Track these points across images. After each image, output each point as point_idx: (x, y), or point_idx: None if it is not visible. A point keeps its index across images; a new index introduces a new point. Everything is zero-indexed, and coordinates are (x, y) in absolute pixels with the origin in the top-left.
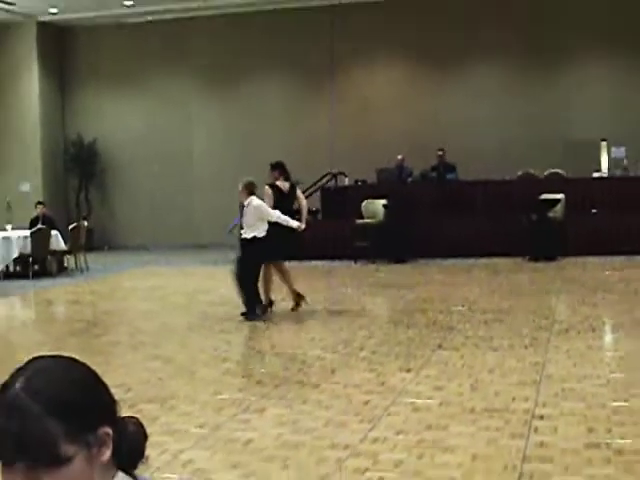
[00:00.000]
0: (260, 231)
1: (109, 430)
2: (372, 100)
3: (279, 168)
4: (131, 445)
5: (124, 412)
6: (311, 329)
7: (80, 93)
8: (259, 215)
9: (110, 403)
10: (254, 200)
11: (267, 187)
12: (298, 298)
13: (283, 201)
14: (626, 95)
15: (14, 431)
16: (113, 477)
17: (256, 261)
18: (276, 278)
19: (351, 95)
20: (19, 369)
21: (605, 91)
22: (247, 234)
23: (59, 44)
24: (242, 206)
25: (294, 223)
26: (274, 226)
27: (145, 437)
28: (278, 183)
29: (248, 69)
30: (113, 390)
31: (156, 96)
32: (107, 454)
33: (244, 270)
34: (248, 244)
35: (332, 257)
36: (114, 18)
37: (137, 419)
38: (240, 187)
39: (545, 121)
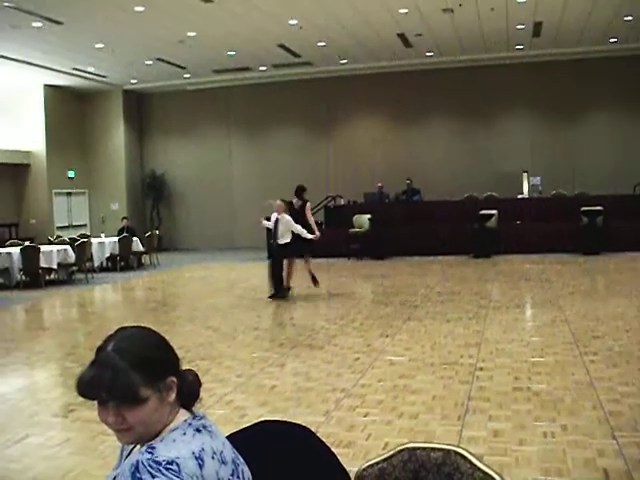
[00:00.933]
0: (287, 238)
1: (174, 379)
2: (359, 144)
3: (296, 190)
4: (190, 390)
5: (185, 366)
6: (318, 306)
7: (153, 140)
8: (288, 227)
9: (175, 360)
10: (286, 216)
11: (280, 201)
12: (313, 280)
13: (293, 213)
14: (541, 139)
15: (107, 379)
16: (177, 412)
17: (283, 258)
18: (299, 270)
19: (344, 141)
20: (110, 336)
21: (526, 136)
22: (281, 240)
23: (138, 106)
24: (276, 219)
25: (308, 235)
26: (295, 234)
27: (200, 384)
28: (293, 200)
29: (272, 122)
30: (177, 351)
31: (207, 143)
32: (173, 396)
33: (276, 264)
34: (280, 247)
35: (333, 256)
36: (177, 87)
37: (194, 371)
38: (278, 204)
39: (483, 158)
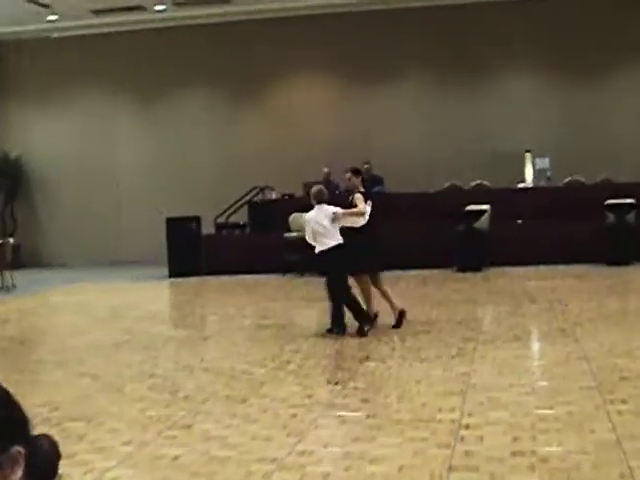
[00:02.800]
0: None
1: (22, 449)
2: (297, 115)
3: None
4: (44, 463)
5: (48, 430)
6: (239, 343)
7: (4, 110)
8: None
9: (23, 421)
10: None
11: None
12: None
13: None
14: (548, 107)
15: None
16: None
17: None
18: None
19: (274, 110)
20: None
21: (529, 101)
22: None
23: None
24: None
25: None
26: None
27: (58, 455)
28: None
29: (174, 85)
30: (39, 409)
31: (82, 114)
32: (19, 473)
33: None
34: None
35: (261, 271)
36: (38, 33)
37: (50, 438)
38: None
39: (470, 133)
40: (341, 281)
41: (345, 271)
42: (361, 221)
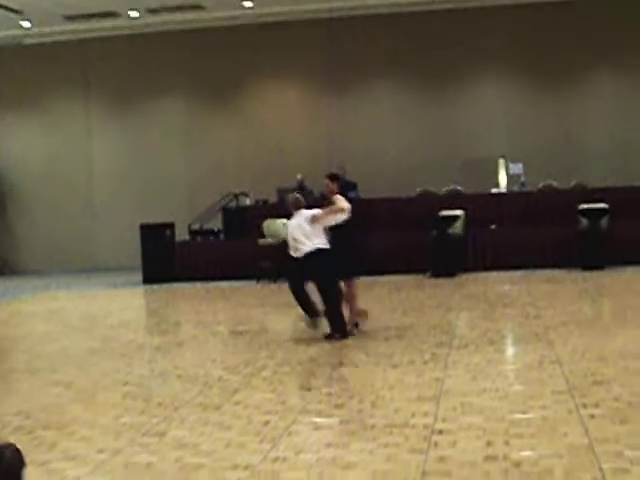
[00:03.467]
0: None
1: None
2: (270, 119)
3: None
4: (7, 472)
5: (22, 439)
6: (213, 350)
7: None
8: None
9: None
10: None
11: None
12: None
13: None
14: (522, 114)
15: None
16: None
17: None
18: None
19: (249, 115)
20: None
21: (503, 106)
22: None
23: None
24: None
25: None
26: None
27: (22, 463)
28: None
29: (149, 91)
30: (11, 418)
31: (55, 121)
32: None
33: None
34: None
35: (235, 277)
36: (11, 40)
37: (13, 446)
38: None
39: (443, 138)
40: (333, 283)
41: (336, 272)
42: (343, 217)
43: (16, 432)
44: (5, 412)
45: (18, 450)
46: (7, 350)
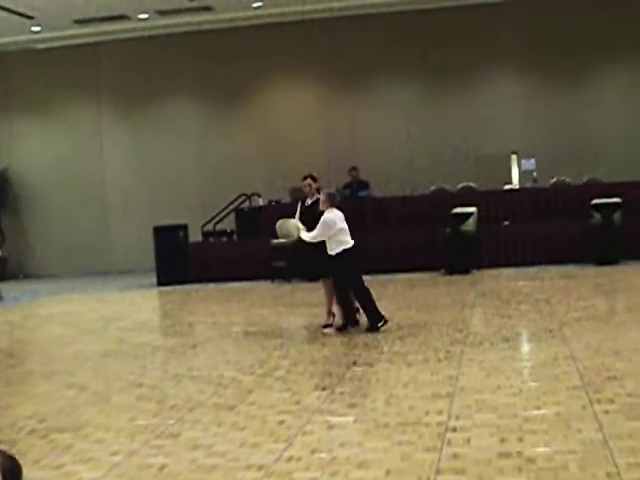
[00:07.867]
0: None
1: None
2: (282, 120)
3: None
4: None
5: (37, 442)
6: (227, 351)
7: None
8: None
9: None
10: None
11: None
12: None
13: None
14: (534, 109)
15: None
16: None
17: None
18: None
19: (260, 117)
20: None
21: (513, 106)
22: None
23: None
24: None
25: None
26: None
27: (19, 471)
28: None
29: (159, 93)
30: (26, 421)
31: (67, 124)
32: None
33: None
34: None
35: (248, 278)
36: (22, 45)
37: (11, 455)
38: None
39: (455, 136)
40: (359, 280)
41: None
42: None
43: (32, 435)
44: (20, 415)
45: (11, 456)
46: (23, 353)
